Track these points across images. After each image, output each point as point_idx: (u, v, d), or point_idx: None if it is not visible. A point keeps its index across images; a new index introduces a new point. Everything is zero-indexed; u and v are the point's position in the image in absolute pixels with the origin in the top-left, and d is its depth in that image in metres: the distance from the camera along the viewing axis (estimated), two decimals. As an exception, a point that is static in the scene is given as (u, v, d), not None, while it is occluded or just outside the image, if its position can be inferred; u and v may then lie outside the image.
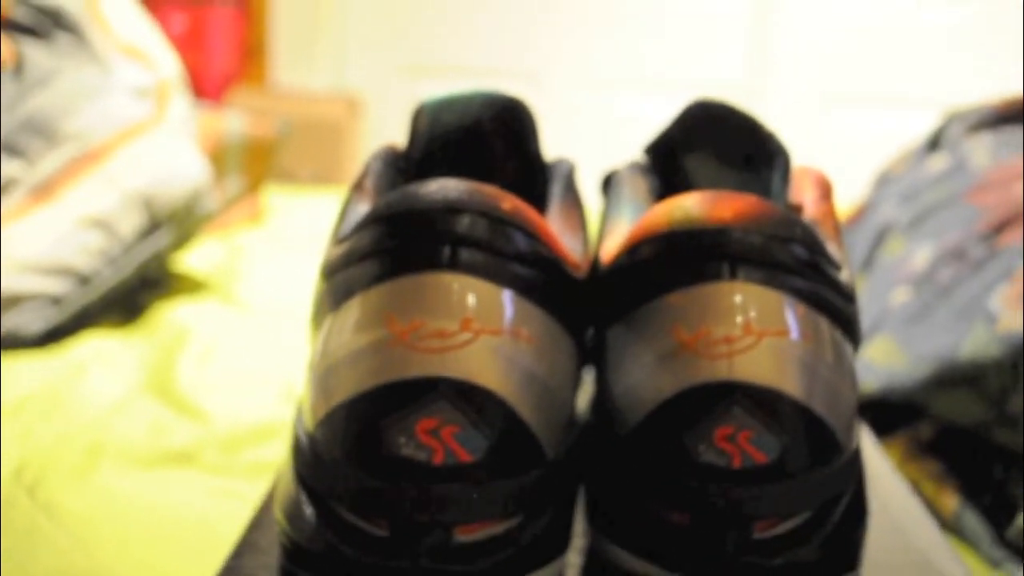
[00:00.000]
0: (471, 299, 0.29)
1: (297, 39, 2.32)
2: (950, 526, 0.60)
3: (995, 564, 0.57)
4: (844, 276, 0.33)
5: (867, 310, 0.70)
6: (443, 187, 0.30)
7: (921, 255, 0.69)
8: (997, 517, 0.60)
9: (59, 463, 0.66)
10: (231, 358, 0.85)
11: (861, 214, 0.82)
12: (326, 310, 0.32)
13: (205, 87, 2.09)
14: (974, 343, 0.60)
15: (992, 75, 1.68)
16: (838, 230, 0.35)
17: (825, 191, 0.36)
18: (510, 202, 0.30)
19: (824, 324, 0.31)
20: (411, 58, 2.31)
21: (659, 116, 0.44)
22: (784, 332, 0.30)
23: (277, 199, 1.47)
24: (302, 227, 1.33)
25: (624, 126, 2.11)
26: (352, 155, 2.05)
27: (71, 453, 0.68)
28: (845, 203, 0.87)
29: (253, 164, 1.27)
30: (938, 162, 0.77)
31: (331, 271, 0.32)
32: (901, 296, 0.68)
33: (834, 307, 0.32)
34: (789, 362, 0.30)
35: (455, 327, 0.29)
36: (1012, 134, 0.74)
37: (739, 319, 0.30)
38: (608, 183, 0.42)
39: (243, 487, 0.67)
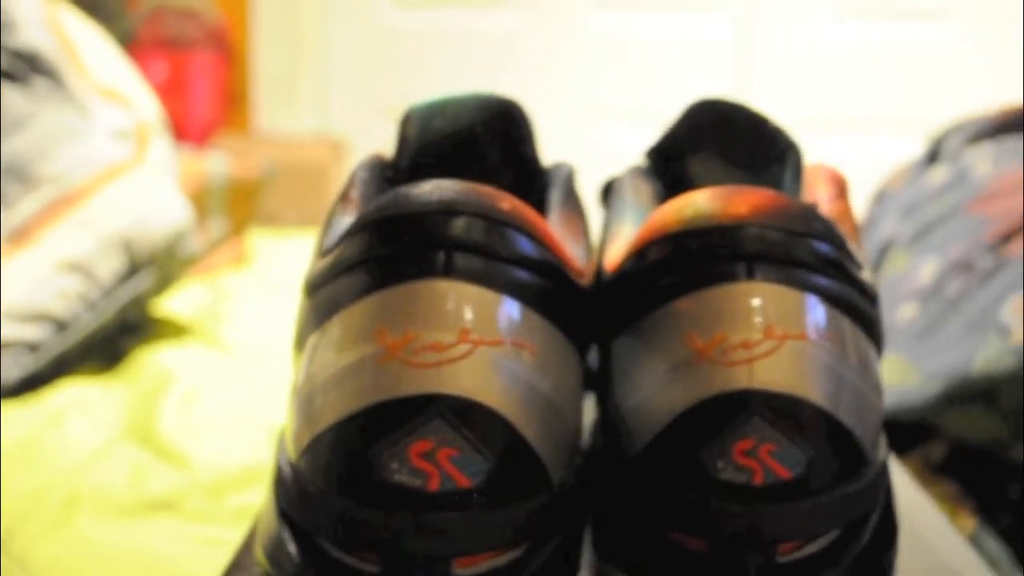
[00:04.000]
0: (468, 308, 0.27)
1: (280, 84, 2.31)
2: (970, 549, 0.58)
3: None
4: (866, 276, 0.31)
5: (873, 328, 0.67)
6: (436, 188, 0.28)
7: (926, 269, 0.67)
8: (1016, 538, 0.57)
9: (35, 515, 0.63)
10: (215, 402, 0.83)
11: (860, 233, 0.79)
12: (310, 329, 0.30)
13: (188, 134, 2.07)
14: (987, 357, 0.58)
15: (974, 95, 1.67)
16: (856, 229, 0.33)
17: (840, 189, 0.34)
18: (509, 202, 0.28)
19: (848, 326, 0.29)
20: (394, 100, 2.29)
21: (647, 147, 0.42)
22: (807, 335, 0.28)
23: (262, 242, 1.45)
24: (288, 270, 1.30)
25: (612, 158, 2.10)
26: (337, 198, 2.03)
27: (47, 504, 0.65)
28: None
29: (237, 206, 1.25)
30: (938, 174, 0.75)
31: (315, 286, 0.29)
32: (908, 312, 0.66)
33: (857, 308, 0.30)
34: (813, 367, 0.28)
35: (452, 339, 0.26)
36: (1013, 142, 0.72)
37: (758, 322, 0.28)
38: (608, 192, 0.39)
39: (228, 534, 0.64)
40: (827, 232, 0.29)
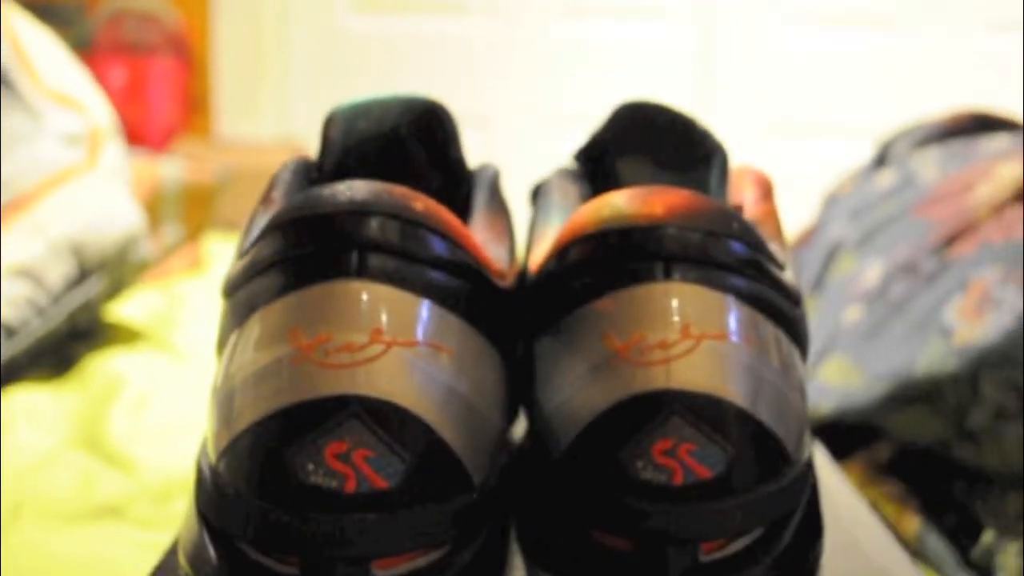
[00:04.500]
0: (381, 308, 0.27)
1: (240, 89, 2.30)
2: (913, 549, 0.58)
3: (961, 587, 0.55)
4: (788, 277, 0.31)
5: (820, 330, 0.68)
6: (349, 188, 0.28)
7: (872, 272, 0.67)
8: (961, 538, 0.58)
9: (-22, 522, 0.63)
10: (166, 407, 0.82)
11: (810, 236, 0.80)
12: (229, 330, 0.29)
13: (148, 139, 2.06)
14: (930, 358, 0.58)
15: (931, 101, 1.69)
16: (780, 230, 0.33)
17: (766, 190, 0.34)
18: (423, 202, 0.28)
19: (768, 326, 0.29)
20: (357, 105, 2.29)
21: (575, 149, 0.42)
22: (725, 334, 0.28)
23: (218, 247, 1.44)
24: (245, 274, 1.29)
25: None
26: (299, 203, 2.02)
27: (-9, 511, 0.64)
28: (792, 231, 0.85)
29: (192, 211, 1.24)
30: (886, 178, 0.76)
31: (233, 287, 0.29)
32: (854, 314, 0.66)
33: (778, 308, 0.30)
34: (731, 367, 0.28)
35: (364, 339, 0.26)
36: (960, 146, 0.73)
37: (675, 322, 0.28)
38: (538, 194, 0.39)
39: (173, 540, 0.63)
40: (745, 233, 0.29)
